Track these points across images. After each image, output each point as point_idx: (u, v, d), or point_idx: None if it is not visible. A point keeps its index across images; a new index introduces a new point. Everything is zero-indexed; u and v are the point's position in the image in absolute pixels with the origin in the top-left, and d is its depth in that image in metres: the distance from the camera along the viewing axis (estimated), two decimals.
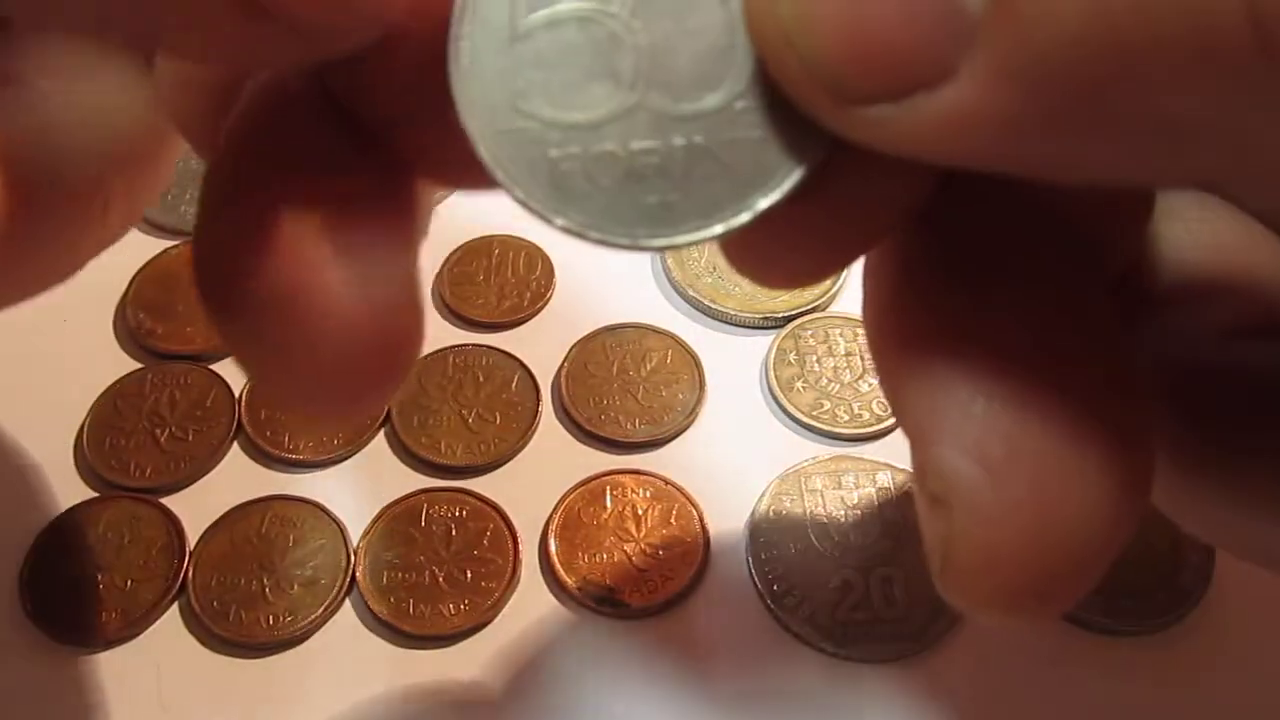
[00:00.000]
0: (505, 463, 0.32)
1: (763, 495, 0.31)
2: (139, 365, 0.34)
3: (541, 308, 0.36)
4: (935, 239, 0.14)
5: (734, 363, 0.35)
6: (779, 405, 0.33)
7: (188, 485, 0.32)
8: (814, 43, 0.11)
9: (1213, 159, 0.11)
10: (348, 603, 0.29)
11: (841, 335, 0.35)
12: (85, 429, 0.32)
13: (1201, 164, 0.11)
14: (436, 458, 0.32)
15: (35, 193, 0.18)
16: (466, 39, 0.12)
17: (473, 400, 0.33)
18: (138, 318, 0.35)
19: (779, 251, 0.14)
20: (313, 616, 0.29)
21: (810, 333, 0.35)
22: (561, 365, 0.34)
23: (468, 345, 0.35)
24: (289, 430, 0.32)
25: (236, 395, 0.33)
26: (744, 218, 0.12)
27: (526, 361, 0.34)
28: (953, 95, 0.10)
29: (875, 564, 0.30)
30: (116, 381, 0.33)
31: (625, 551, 0.30)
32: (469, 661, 0.28)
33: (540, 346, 0.35)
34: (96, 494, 0.31)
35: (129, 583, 0.29)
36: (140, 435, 0.32)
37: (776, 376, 0.34)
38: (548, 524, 0.31)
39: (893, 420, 0.32)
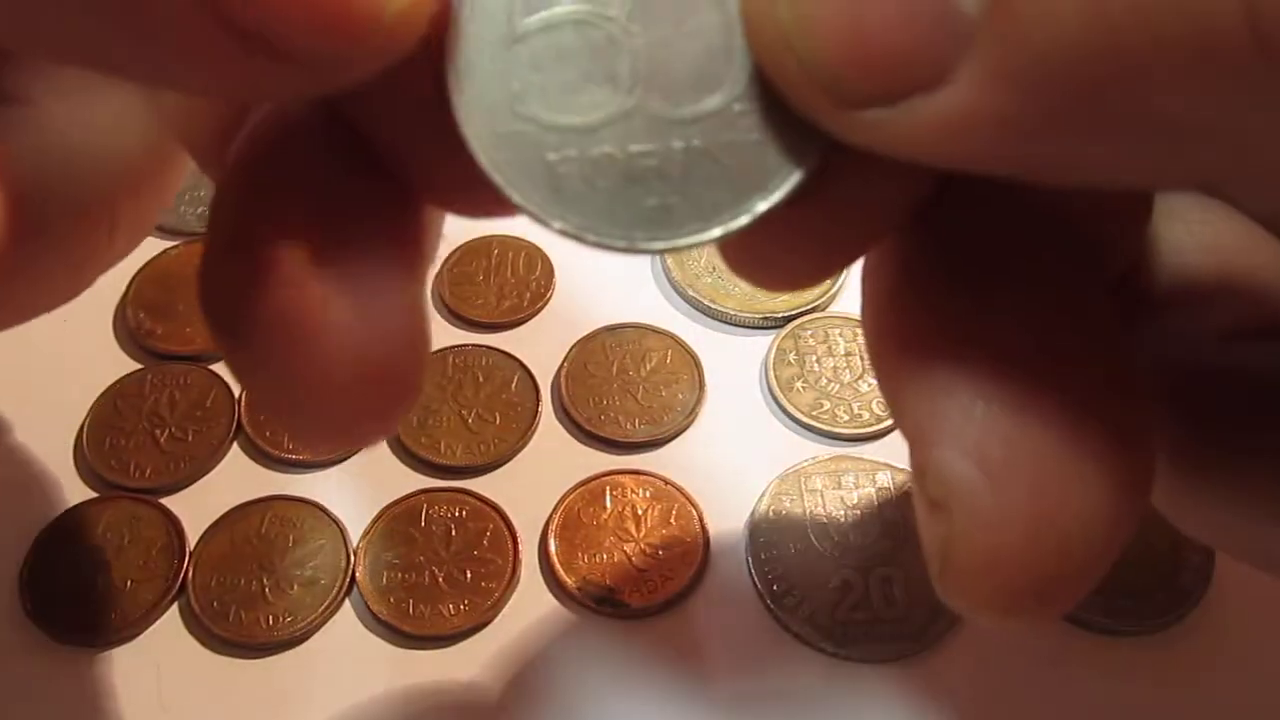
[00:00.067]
0: (505, 463, 0.32)
1: (762, 495, 0.31)
2: (139, 365, 0.34)
3: (541, 308, 0.36)
4: (934, 241, 0.14)
5: (734, 363, 0.35)
6: (779, 405, 0.33)
7: (188, 485, 0.32)
8: (813, 45, 0.11)
9: (1212, 160, 0.11)
10: (348, 603, 0.29)
11: (841, 335, 0.35)
12: (85, 429, 0.32)
13: (1200, 165, 0.11)
14: (436, 458, 0.32)
15: (44, 212, 0.18)
16: (463, 41, 0.12)
17: (472, 400, 0.33)
18: (138, 318, 0.35)
19: (778, 254, 0.14)
20: (313, 617, 0.29)
21: (810, 333, 0.35)
22: (561, 365, 0.34)
23: (467, 345, 0.35)
24: None
25: (236, 395, 0.33)
26: (743, 220, 0.12)
27: (526, 362, 0.34)
28: (951, 97, 0.10)
29: (875, 564, 0.30)
30: (116, 382, 0.33)
31: (625, 551, 0.30)
32: (469, 661, 0.28)
33: (540, 347, 0.35)
34: (96, 494, 0.31)
35: (129, 583, 0.29)
36: (140, 435, 0.32)
37: (776, 376, 0.34)
38: (547, 524, 0.30)
39: (892, 420, 0.32)
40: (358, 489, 0.31)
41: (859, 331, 0.35)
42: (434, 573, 0.30)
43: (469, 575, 0.29)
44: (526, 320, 0.36)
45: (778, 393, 0.33)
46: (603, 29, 0.12)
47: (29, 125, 0.18)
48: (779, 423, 0.33)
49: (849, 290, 0.36)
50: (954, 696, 0.28)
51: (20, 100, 0.18)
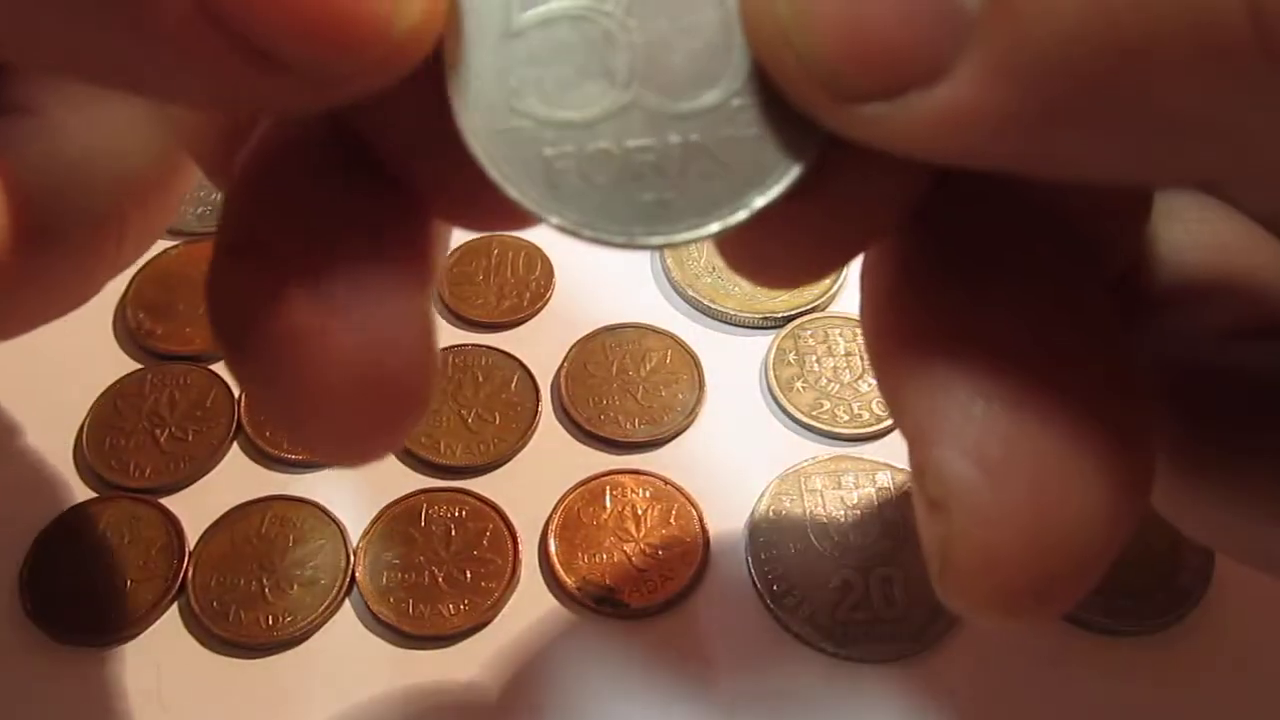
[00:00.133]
0: (505, 463, 0.32)
1: (762, 495, 0.31)
2: (139, 365, 0.34)
3: (541, 308, 0.36)
4: (933, 238, 0.14)
5: (733, 363, 0.35)
6: (779, 405, 0.33)
7: (187, 485, 0.32)
8: (812, 40, 0.11)
9: (1212, 158, 0.11)
10: (347, 603, 0.29)
11: (841, 335, 0.35)
12: (85, 429, 0.32)
13: (1201, 163, 0.11)
14: (436, 458, 0.32)
15: (54, 222, 0.17)
16: (461, 37, 0.12)
17: (472, 400, 0.33)
18: (137, 318, 0.35)
19: (776, 250, 0.14)
20: (312, 617, 0.29)
21: (810, 333, 0.35)
22: (561, 365, 0.34)
23: (467, 345, 0.35)
24: None
25: (236, 396, 0.33)
26: (741, 216, 0.12)
27: (526, 361, 0.34)
28: (950, 92, 0.10)
29: (875, 564, 0.30)
30: (116, 382, 0.33)
31: (625, 551, 0.30)
32: (469, 661, 0.28)
33: (540, 346, 0.35)
34: (96, 494, 0.31)
35: (129, 582, 0.29)
36: (140, 435, 0.32)
37: (776, 376, 0.34)
38: (547, 524, 0.30)
39: (892, 420, 0.32)
40: (358, 489, 0.31)
41: (859, 331, 0.34)
42: (434, 573, 0.29)
43: (469, 575, 0.29)
44: (526, 320, 0.36)
45: (778, 393, 0.33)
46: (600, 24, 0.12)
47: (40, 136, 0.18)
48: (779, 423, 0.33)
49: (849, 290, 0.36)
50: (954, 696, 0.28)
51: (31, 111, 0.18)
